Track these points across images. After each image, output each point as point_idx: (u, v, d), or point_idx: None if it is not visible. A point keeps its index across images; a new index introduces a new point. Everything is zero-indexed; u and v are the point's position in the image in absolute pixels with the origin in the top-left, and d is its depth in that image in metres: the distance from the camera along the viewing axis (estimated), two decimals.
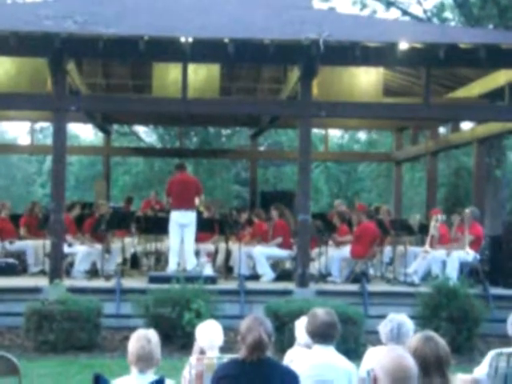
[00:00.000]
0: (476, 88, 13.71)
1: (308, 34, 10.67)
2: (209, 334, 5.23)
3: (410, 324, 5.02)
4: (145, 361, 4.18)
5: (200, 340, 5.24)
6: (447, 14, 23.71)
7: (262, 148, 27.39)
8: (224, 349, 5.30)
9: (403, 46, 10.91)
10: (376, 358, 3.33)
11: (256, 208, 15.87)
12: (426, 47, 11.02)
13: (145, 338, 4.24)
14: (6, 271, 12.25)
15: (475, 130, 14.67)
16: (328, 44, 10.54)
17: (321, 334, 4.74)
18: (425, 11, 23.31)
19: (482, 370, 5.33)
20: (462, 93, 14.41)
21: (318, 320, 4.76)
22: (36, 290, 10.80)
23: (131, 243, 13.89)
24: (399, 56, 11.03)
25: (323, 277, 12.42)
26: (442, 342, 3.88)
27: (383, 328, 5.00)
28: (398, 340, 4.85)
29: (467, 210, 12.23)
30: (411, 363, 3.23)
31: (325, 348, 4.74)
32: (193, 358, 4.99)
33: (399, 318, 5.02)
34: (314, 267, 12.51)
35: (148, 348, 4.19)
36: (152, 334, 4.30)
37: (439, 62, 10.97)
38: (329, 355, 4.73)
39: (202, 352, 5.17)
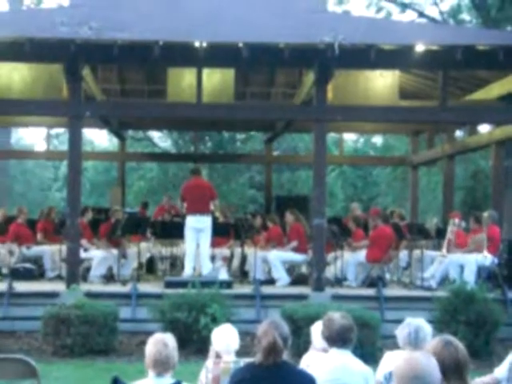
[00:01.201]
0: (494, 90, 13.61)
1: (323, 38, 10.63)
2: (225, 338, 5.22)
3: (427, 328, 4.97)
4: (162, 365, 4.19)
5: (216, 344, 5.22)
6: (464, 16, 23.62)
7: (276, 152, 27.39)
8: (240, 353, 5.28)
9: (419, 48, 10.86)
10: (395, 362, 3.30)
11: (270, 212, 15.85)
12: (443, 49, 10.97)
13: (162, 342, 4.25)
14: (24, 276, 12.31)
15: (493, 133, 14.57)
16: (343, 47, 10.50)
17: (337, 338, 4.71)
18: (441, 13, 23.26)
19: (501, 370, 5.29)
20: (479, 95, 14.31)
21: (335, 324, 4.73)
22: (53, 295, 10.85)
23: (147, 248, 13.91)
24: (415, 58, 10.99)
25: (339, 281, 12.37)
26: (461, 346, 3.84)
27: (400, 332, 4.95)
28: (415, 344, 4.80)
29: (485, 213, 12.13)
30: (423, 364, 3.19)
31: (341, 352, 4.71)
32: (209, 362, 4.99)
33: (417, 322, 4.97)
34: (330, 271, 12.47)
35: (165, 352, 4.20)
36: (169, 338, 4.31)
37: (456, 64, 10.93)
38: (345, 359, 4.70)
39: (218, 356, 5.16)
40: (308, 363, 5.07)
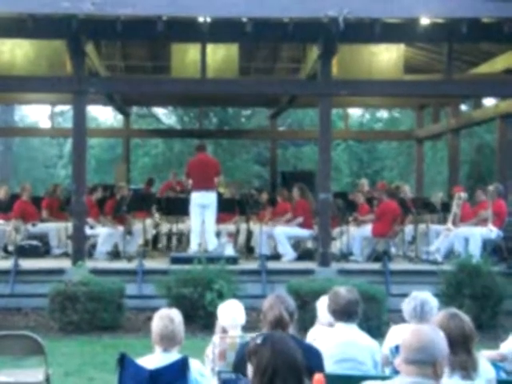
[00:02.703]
0: (499, 63, 13.51)
1: (327, 12, 10.54)
2: (231, 314, 5.23)
3: (433, 302, 4.98)
4: (168, 340, 4.20)
5: (222, 319, 5.24)
6: None
7: (281, 128, 27.28)
8: (246, 328, 5.29)
9: (424, 21, 10.76)
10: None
11: (278, 188, 15.84)
12: (448, 22, 10.88)
13: (168, 317, 4.27)
14: (30, 253, 12.34)
15: (498, 106, 14.50)
16: (348, 21, 10.42)
17: (343, 312, 4.72)
18: None
19: (508, 345, 5.30)
20: (484, 68, 14.22)
21: (341, 298, 4.74)
22: (59, 272, 10.89)
23: (152, 225, 13.93)
24: (420, 32, 10.88)
25: (345, 256, 12.40)
26: (466, 318, 3.86)
27: (406, 306, 4.97)
28: (421, 318, 4.82)
29: (491, 187, 12.13)
30: (430, 336, 3.19)
31: (348, 326, 4.73)
32: (216, 337, 5.01)
33: (422, 296, 4.98)
34: (336, 246, 12.49)
35: (171, 327, 4.21)
36: (175, 313, 4.33)
37: (461, 37, 10.83)
38: (352, 333, 4.72)
39: (224, 331, 5.17)
40: (314, 337, 5.09)
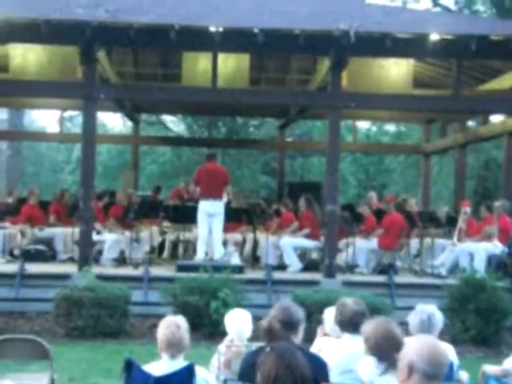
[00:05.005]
0: (507, 80, 13.56)
1: (339, 25, 10.62)
2: (238, 327, 5.24)
3: (439, 315, 5.00)
4: (175, 346, 4.24)
5: (229, 331, 5.25)
6: (478, 6, 23.49)
7: (290, 139, 27.30)
8: (251, 338, 5.30)
9: (434, 37, 10.84)
10: (410, 347, 3.31)
11: (284, 198, 15.87)
12: (457, 39, 10.94)
13: (174, 324, 4.30)
14: (36, 257, 12.37)
15: (506, 123, 14.50)
16: (359, 35, 10.49)
17: (350, 324, 4.75)
18: (456, 2, 23.17)
19: (510, 362, 5.32)
20: (492, 85, 14.26)
21: (347, 309, 4.77)
22: (65, 277, 10.92)
23: (159, 232, 13.96)
24: (430, 47, 10.96)
25: (350, 268, 12.41)
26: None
27: (413, 319, 4.98)
28: (428, 331, 4.83)
29: (497, 203, 12.17)
30: (445, 350, 3.25)
31: (354, 337, 4.75)
32: (222, 346, 5.03)
33: (429, 310, 5.01)
34: (341, 258, 12.51)
35: (178, 334, 4.25)
36: (181, 321, 4.37)
37: (470, 53, 10.90)
38: (358, 344, 4.73)
39: (232, 340, 5.20)
40: (319, 348, 5.11)
